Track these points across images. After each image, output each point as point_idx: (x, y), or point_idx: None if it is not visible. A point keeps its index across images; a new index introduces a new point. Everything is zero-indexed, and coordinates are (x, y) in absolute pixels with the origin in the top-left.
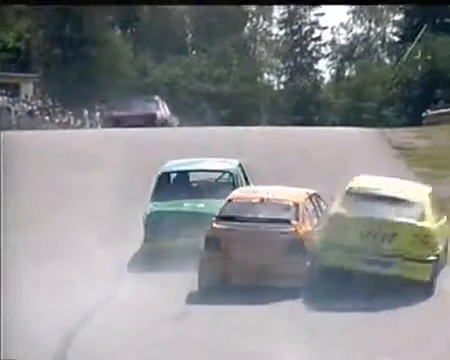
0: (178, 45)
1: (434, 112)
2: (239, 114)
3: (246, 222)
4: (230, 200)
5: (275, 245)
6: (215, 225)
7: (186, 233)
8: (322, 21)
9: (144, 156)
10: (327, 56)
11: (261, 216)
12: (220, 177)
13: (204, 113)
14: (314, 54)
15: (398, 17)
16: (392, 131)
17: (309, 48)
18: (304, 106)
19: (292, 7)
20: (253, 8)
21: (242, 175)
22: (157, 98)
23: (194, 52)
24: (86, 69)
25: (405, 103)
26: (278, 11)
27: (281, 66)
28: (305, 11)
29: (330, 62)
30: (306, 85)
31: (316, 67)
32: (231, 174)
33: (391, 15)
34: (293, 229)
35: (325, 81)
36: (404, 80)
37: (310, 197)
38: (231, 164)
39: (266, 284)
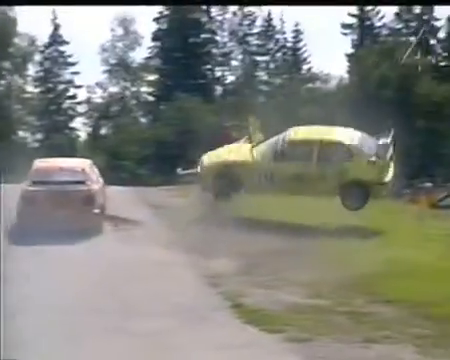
0: None
1: (185, 172)
2: None
3: (52, 184)
4: (36, 169)
5: (75, 200)
6: (28, 188)
7: None
8: (77, 80)
9: None
10: (83, 114)
11: (62, 179)
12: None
13: None
14: (70, 112)
15: (152, 77)
16: (148, 190)
17: (64, 106)
18: None
19: (47, 65)
20: (7, 65)
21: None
22: None
23: None
24: None
25: (160, 162)
26: (33, 69)
27: (36, 124)
28: (60, 70)
29: (86, 120)
30: (62, 143)
31: (72, 125)
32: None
33: (145, 75)
34: (86, 188)
35: (81, 139)
36: (159, 139)
37: (90, 165)
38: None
39: (69, 228)
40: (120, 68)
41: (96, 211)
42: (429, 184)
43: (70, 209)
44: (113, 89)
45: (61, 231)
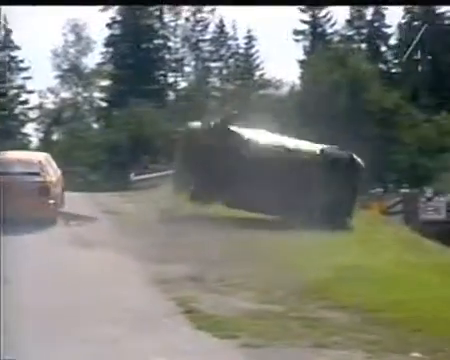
0: None
1: (139, 177)
2: None
3: (9, 175)
4: None
5: (30, 190)
6: None
7: None
8: (29, 85)
9: None
10: (35, 120)
11: (19, 170)
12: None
13: None
14: (21, 118)
15: (105, 83)
16: (101, 195)
17: (16, 112)
18: None
19: None
20: None
21: None
22: None
23: None
24: None
25: (113, 168)
26: None
27: None
28: (11, 75)
29: (38, 126)
30: (13, 149)
31: (24, 131)
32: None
33: (98, 80)
34: (42, 179)
35: (33, 145)
36: (112, 145)
37: (46, 157)
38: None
39: (28, 216)
40: (72, 73)
41: (51, 201)
42: (380, 190)
43: (25, 199)
44: (65, 94)
45: (14, 222)
